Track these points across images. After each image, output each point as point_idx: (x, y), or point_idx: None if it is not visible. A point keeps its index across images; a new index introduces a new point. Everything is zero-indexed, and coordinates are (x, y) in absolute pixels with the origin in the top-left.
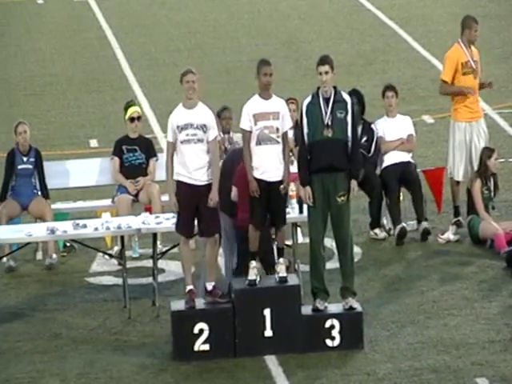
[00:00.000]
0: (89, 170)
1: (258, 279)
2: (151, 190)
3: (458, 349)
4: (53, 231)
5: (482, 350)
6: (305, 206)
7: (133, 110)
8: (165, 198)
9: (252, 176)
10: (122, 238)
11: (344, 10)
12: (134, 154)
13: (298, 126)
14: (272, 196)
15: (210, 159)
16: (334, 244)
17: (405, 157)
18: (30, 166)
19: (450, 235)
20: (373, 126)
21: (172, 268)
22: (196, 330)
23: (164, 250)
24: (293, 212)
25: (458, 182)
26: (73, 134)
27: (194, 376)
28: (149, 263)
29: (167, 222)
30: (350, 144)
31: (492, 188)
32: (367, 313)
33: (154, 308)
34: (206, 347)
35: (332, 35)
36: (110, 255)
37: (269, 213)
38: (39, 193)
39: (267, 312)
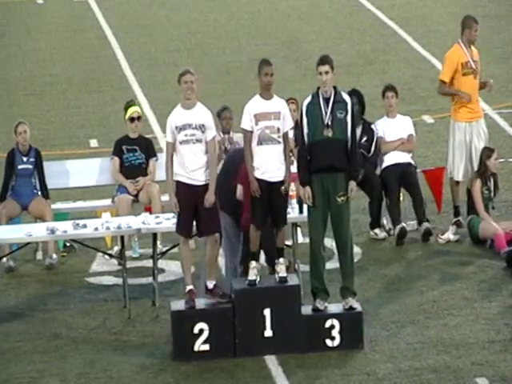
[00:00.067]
0: (89, 170)
1: (258, 279)
2: (151, 189)
3: (457, 349)
4: (53, 231)
5: (481, 350)
6: (305, 206)
7: (133, 110)
8: (165, 197)
9: (253, 176)
10: (122, 238)
11: (344, 10)
12: (134, 154)
13: (297, 126)
14: (273, 196)
15: (207, 159)
16: (334, 244)
17: (405, 157)
18: (30, 166)
19: (450, 235)
20: (373, 126)
21: (172, 268)
22: (196, 330)
23: (164, 250)
24: (293, 212)
25: (457, 182)
26: (73, 134)
27: (194, 376)
28: (149, 263)
29: (167, 221)
30: (349, 144)
31: (492, 188)
32: (367, 313)
33: (154, 308)
34: (206, 347)
35: (332, 35)
36: (110, 255)
37: (270, 213)
38: (39, 193)
39: (267, 312)
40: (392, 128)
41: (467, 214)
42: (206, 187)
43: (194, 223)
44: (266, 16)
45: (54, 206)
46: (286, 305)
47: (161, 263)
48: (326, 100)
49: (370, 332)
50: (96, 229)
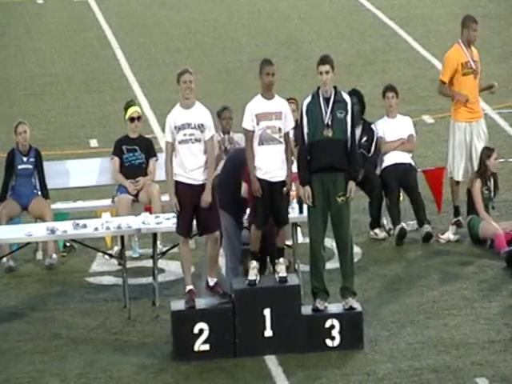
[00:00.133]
0: (89, 170)
1: (258, 279)
2: (151, 189)
3: (457, 349)
4: (53, 231)
5: (481, 350)
6: (305, 206)
7: (133, 110)
8: (165, 197)
9: (254, 176)
10: (122, 238)
11: (344, 10)
12: (134, 154)
13: (297, 126)
14: (274, 196)
15: (206, 159)
16: (334, 244)
17: (405, 157)
18: (30, 166)
19: (450, 235)
20: (373, 126)
21: (172, 268)
22: (196, 330)
23: (164, 250)
24: (293, 212)
25: (457, 182)
26: (73, 134)
27: (194, 376)
28: (149, 263)
29: (167, 221)
30: (349, 144)
31: (492, 188)
32: (367, 313)
33: (154, 308)
34: (206, 347)
35: (332, 35)
36: (110, 255)
37: (271, 212)
38: (39, 193)
39: (267, 312)
40: (392, 128)
41: (467, 214)
42: (205, 187)
43: (194, 223)
44: (265, 16)
45: (53, 206)
46: (286, 305)
47: (161, 263)
48: (326, 100)
49: (370, 332)
50: (96, 229)
